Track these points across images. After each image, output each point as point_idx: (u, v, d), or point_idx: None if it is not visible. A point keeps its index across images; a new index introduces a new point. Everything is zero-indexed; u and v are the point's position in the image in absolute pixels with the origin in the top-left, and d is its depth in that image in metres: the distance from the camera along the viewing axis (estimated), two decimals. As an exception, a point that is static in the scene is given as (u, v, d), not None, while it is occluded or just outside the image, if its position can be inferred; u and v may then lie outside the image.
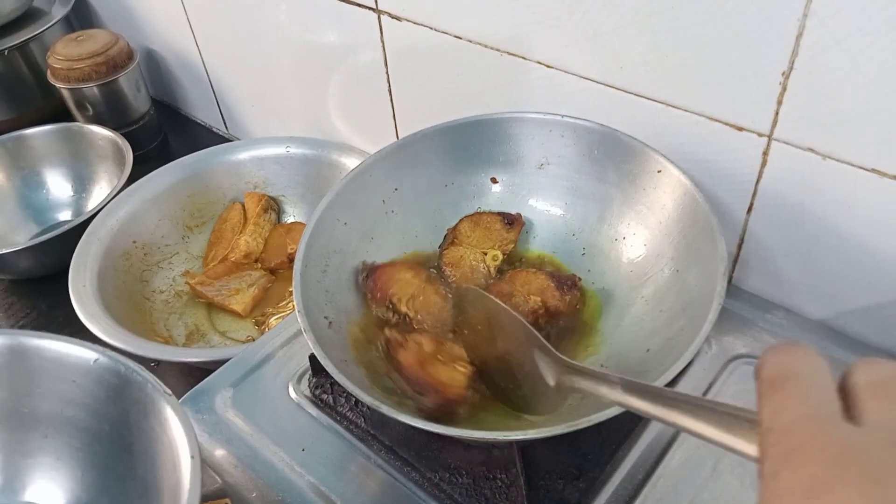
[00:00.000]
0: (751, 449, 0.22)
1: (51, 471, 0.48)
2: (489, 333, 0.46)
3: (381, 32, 0.71)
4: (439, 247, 0.59)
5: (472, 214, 0.59)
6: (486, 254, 0.57)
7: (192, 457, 0.40)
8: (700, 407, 0.25)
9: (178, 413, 0.42)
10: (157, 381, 0.44)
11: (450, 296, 0.48)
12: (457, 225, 0.59)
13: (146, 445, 0.43)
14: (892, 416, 0.20)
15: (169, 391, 0.44)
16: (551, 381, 0.39)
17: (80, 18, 1.16)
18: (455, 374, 0.48)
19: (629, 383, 0.30)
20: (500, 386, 0.46)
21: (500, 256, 0.57)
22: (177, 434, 0.41)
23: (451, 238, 0.59)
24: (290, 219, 0.89)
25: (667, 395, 0.27)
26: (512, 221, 0.58)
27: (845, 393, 0.21)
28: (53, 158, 0.95)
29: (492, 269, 0.57)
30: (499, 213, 0.59)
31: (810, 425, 0.20)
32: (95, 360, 0.45)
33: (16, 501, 0.48)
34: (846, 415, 0.21)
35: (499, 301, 0.45)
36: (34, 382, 0.46)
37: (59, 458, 0.48)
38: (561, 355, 0.39)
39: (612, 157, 0.55)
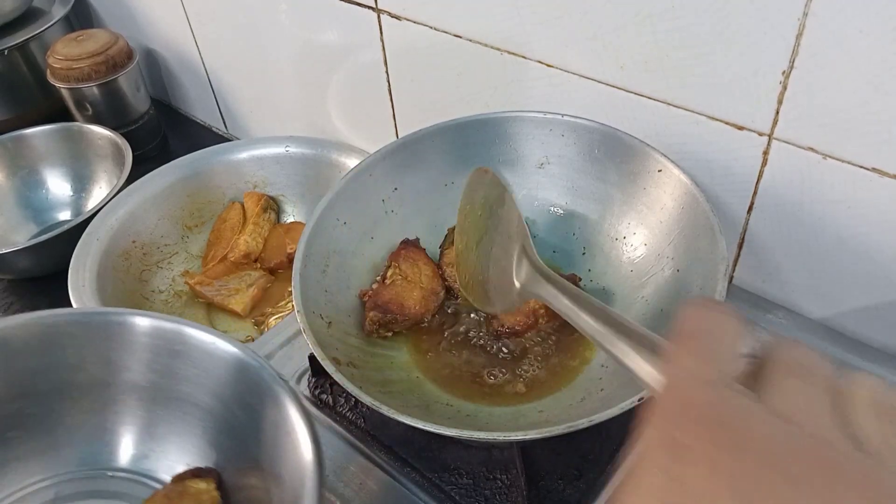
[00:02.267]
0: (651, 378, 0.24)
1: (182, 447, 0.51)
2: (486, 218, 0.47)
3: (381, 32, 0.71)
4: (440, 246, 0.59)
5: None
6: None
7: (313, 442, 0.42)
8: (634, 336, 0.27)
9: (293, 400, 0.44)
10: (273, 368, 0.46)
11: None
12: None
13: (264, 427, 0.45)
14: (794, 392, 0.20)
15: (283, 376, 0.45)
16: (517, 283, 0.41)
17: (80, 18, 1.16)
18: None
19: (582, 298, 0.34)
20: (471, 273, 0.47)
21: None
22: (294, 420, 0.43)
23: (451, 238, 0.58)
24: (289, 218, 0.88)
25: (608, 317, 0.29)
26: None
27: (759, 363, 0.22)
28: (53, 158, 0.95)
29: None
30: None
31: (699, 385, 0.20)
32: (216, 345, 0.48)
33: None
34: (750, 382, 0.21)
35: (508, 188, 0.46)
36: (159, 360, 0.49)
37: (173, 430, 0.51)
38: (538, 259, 0.41)
39: (613, 156, 0.55)
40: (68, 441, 0.51)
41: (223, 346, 0.47)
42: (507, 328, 0.53)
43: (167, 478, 0.49)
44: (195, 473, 0.48)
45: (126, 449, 0.51)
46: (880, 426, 0.19)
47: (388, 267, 0.55)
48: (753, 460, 0.17)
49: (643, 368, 0.25)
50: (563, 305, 0.35)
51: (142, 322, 0.49)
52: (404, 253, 0.56)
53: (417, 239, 0.58)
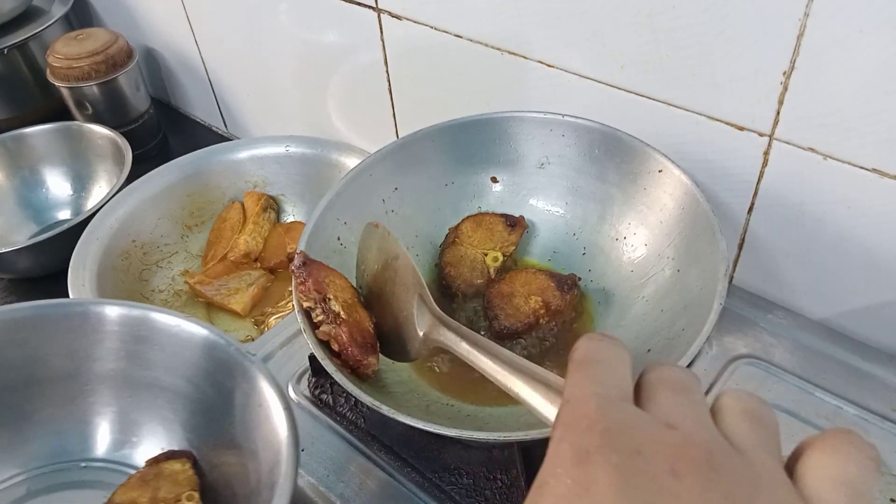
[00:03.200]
0: (548, 412, 0.27)
1: (154, 431, 0.51)
2: (384, 274, 0.48)
3: (381, 32, 0.70)
4: (440, 245, 0.59)
5: (475, 215, 0.59)
6: (486, 255, 0.57)
7: (285, 409, 0.42)
8: (529, 373, 0.30)
9: (263, 373, 0.44)
10: (240, 345, 0.46)
11: (373, 321, 0.48)
12: (459, 224, 0.59)
13: (236, 403, 0.46)
14: (675, 405, 0.23)
15: (252, 353, 0.46)
16: (420, 332, 0.43)
17: (80, 17, 1.16)
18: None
19: (480, 342, 0.36)
20: (381, 328, 0.48)
21: (501, 258, 0.57)
22: (266, 391, 0.44)
23: (452, 237, 0.58)
24: (289, 218, 0.88)
25: (506, 358, 0.33)
26: (514, 224, 0.58)
27: (639, 387, 0.24)
28: (53, 157, 0.95)
29: (492, 271, 0.57)
30: (501, 215, 0.59)
31: (596, 401, 0.22)
32: (181, 327, 0.48)
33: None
34: (637, 404, 0.24)
35: (398, 242, 0.47)
36: (128, 347, 0.50)
37: (146, 416, 0.51)
38: (436, 307, 0.43)
39: (613, 156, 0.55)
40: (38, 435, 0.51)
41: (189, 328, 0.48)
42: (508, 328, 0.53)
43: (142, 464, 0.49)
44: (169, 455, 0.48)
45: (99, 439, 0.51)
46: (750, 428, 0.22)
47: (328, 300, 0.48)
48: (644, 461, 0.20)
49: (538, 400, 0.28)
50: (464, 349, 0.38)
51: (105, 311, 0.49)
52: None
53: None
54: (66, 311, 0.49)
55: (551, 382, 0.28)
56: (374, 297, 0.49)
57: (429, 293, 0.44)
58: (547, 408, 0.27)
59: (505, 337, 0.53)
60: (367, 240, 0.51)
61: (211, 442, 0.49)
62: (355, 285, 0.51)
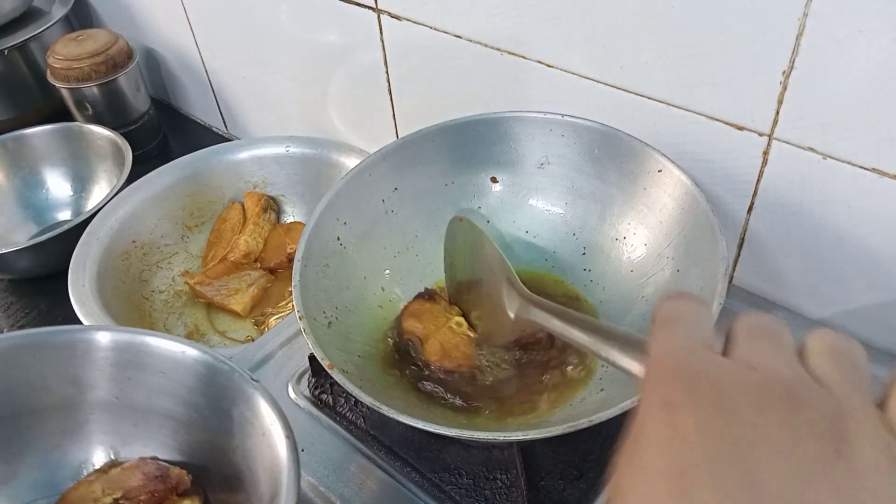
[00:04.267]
0: (638, 370, 0.29)
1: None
2: (471, 262, 0.52)
3: (381, 32, 0.70)
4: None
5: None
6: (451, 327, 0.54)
7: (287, 437, 0.42)
8: (618, 338, 0.31)
9: (266, 399, 0.44)
10: (244, 369, 0.46)
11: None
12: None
13: (237, 432, 0.45)
14: (757, 350, 0.23)
15: (256, 378, 0.45)
16: (511, 313, 0.45)
17: (80, 18, 1.16)
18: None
19: (570, 315, 0.38)
20: (470, 313, 0.52)
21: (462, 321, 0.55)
22: (268, 418, 0.43)
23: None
24: (289, 218, 0.88)
25: (595, 327, 0.34)
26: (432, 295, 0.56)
27: (727, 337, 0.25)
28: (53, 158, 0.95)
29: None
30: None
31: (679, 353, 0.24)
32: (183, 353, 0.47)
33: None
34: (723, 353, 0.24)
35: (483, 232, 0.51)
36: (125, 374, 0.49)
37: (146, 445, 0.50)
38: (524, 288, 0.45)
39: (613, 156, 0.55)
40: (37, 465, 0.50)
41: (190, 353, 0.47)
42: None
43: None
44: (182, 493, 0.47)
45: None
46: (836, 367, 0.23)
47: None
48: (728, 402, 0.21)
49: (631, 364, 0.30)
50: (555, 325, 0.40)
51: (103, 337, 0.48)
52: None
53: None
54: (68, 338, 0.48)
55: (642, 342, 0.30)
56: (464, 287, 0.53)
57: (516, 276, 0.46)
58: (638, 368, 0.29)
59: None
60: (453, 234, 0.55)
61: (216, 471, 0.48)
62: (445, 279, 0.56)
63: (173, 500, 0.47)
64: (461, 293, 0.54)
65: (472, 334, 0.52)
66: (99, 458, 0.50)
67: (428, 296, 0.56)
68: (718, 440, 0.20)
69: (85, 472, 0.50)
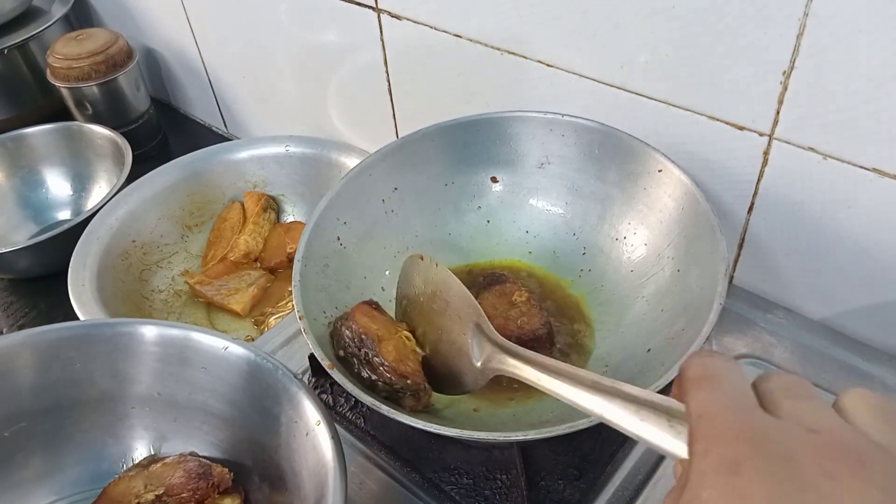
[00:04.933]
0: (673, 444, 0.24)
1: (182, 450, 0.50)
2: (431, 305, 0.46)
3: (381, 31, 0.70)
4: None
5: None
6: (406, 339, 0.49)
7: (332, 438, 0.41)
8: (622, 397, 0.27)
9: (311, 398, 0.43)
10: (287, 367, 0.45)
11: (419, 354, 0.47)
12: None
13: (280, 431, 0.44)
14: (806, 411, 0.23)
15: (299, 375, 0.45)
16: (478, 362, 0.40)
17: (80, 17, 1.16)
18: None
19: (547, 364, 0.33)
20: (429, 361, 0.46)
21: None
22: (312, 419, 0.42)
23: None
24: (289, 218, 0.88)
25: (583, 380, 0.29)
26: None
27: (760, 395, 0.24)
28: (53, 157, 0.95)
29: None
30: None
31: (732, 412, 0.23)
32: (225, 349, 0.47)
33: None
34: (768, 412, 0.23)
35: (448, 272, 0.45)
36: (167, 369, 0.48)
37: (186, 441, 0.50)
38: (497, 334, 0.40)
39: (613, 156, 0.55)
40: (78, 459, 0.50)
41: (234, 350, 0.46)
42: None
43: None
44: (223, 491, 0.47)
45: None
46: (887, 425, 0.22)
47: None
48: (797, 466, 0.20)
49: (636, 423, 0.26)
50: (531, 375, 0.35)
51: (148, 331, 0.48)
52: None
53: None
54: (112, 332, 0.48)
55: (650, 401, 0.26)
56: (420, 332, 0.48)
57: (487, 320, 0.42)
58: (650, 429, 0.25)
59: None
60: (410, 273, 0.49)
61: (257, 470, 0.47)
62: (395, 319, 0.50)
63: (214, 499, 0.46)
64: (416, 337, 0.48)
65: (420, 351, 0.47)
66: (139, 452, 0.50)
67: (374, 305, 0.50)
68: None
69: (125, 467, 0.50)
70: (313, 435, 0.42)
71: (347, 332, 0.46)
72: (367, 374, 0.45)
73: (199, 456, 0.49)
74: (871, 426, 0.22)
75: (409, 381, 0.44)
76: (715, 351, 0.26)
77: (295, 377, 0.45)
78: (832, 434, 0.21)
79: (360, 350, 0.45)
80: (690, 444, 0.23)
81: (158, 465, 0.47)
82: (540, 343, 0.52)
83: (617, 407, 0.27)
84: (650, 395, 0.26)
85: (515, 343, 0.45)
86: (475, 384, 0.42)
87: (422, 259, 0.48)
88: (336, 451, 0.40)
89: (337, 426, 0.52)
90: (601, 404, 0.27)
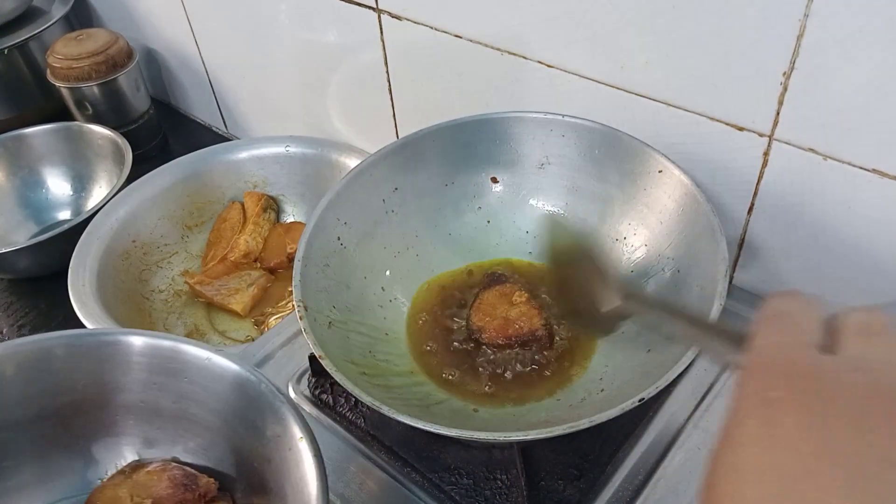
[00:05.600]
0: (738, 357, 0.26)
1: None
2: (569, 258, 0.51)
3: (382, 32, 0.70)
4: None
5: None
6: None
7: (315, 456, 0.41)
8: (714, 327, 0.31)
9: (293, 414, 0.43)
10: (271, 381, 0.45)
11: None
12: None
13: (264, 443, 0.45)
14: (868, 348, 0.23)
15: (283, 389, 0.45)
16: (613, 304, 0.43)
17: (80, 17, 1.16)
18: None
19: (664, 306, 0.39)
20: (577, 304, 0.50)
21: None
22: (296, 435, 0.43)
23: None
24: (289, 218, 0.88)
25: (692, 317, 0.34)
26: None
27: (834, 332, 0.24)
28: (53, 158, 0.95)
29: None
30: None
31: (786, 349, 0.23)
32: (208, 360, 0.47)
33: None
34: (831, 348, 0.24)
35: (568, 228, 0.52)
36: (151, 378, 0.49)
37: (170, 449, 0.50)
38: (618, 279, 0.44)
39: (613, 156, 0.55)
40: (65, 468, 0.50)
41: (220, 363, 0.47)
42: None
43: None
44: (210, 499, 0.47)
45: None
46: None
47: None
48: (837, 404, 0.20)
49: (722, 350, 0.29)
50: (653, 315, 0.40)
51: (135, 341, 0.48)
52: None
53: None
54: (97, 341, 0.49)
55: (736, 333, 0.29)
56: (567, 279, 0.51)
57: (607, 268, 0.46)
58: (739, 359, 0.28)
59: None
60: (555, 234, 0.55)
61: (242, 480, 0.48)
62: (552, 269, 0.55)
63: None
64: (565, 284, 0.52)
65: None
66: (125, 459, 0.51)
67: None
68: (818, 445, 0.20)
69: (109, 474, 0.50)
70: (296, 451, 0.42)
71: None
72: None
73: (182, 463, 0.49)
74: None
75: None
76: (794, 291, 0.27)
77: (279, 391, 0.44)
78: (877, 374, 0.21)
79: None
80: (739, 375, 0.24)
81: (142, 472, 0.48)
82: (540, 343, 0.52)
83: (709, 337, 0.31)
84: (736, 327, 0.29)
85: (515, 344, 0.50)
86: (613, 325, 0.45)
87: (553, 220, 0.56)
88: (318, 469, 0.41)
89: (337, 426, 0.53)
90: (699, 336, 0.32)
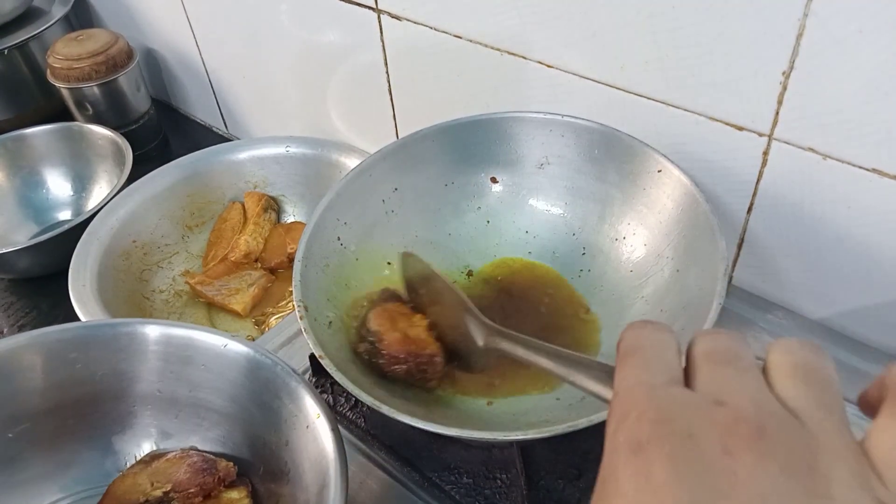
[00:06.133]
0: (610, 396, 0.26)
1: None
2: (430, 297, 0.50)
3: (381, 32, 0.71)
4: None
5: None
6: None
7: (332, 430, 0.42)
8: (587, 366, 0.30)
9: (310, 392, 0.44)
10: (286, 363, 0.46)
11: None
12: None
13: (281, 425, 0.45)
14: (720, 379, 0.22)
15: (298, 371, 0.46)
16: (480, 343, 0.44)
17: (80, 18, 1.16)
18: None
19: (533, 344, 0.38)
20: (447, 345, 0.49)
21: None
22: (312, 412, 0.43)
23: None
24: (289, 218, 0.89)
25: (562, 355, 0.33)
26: None
27: (687, 364, 0.24)
28: (53, 158, 0.95)
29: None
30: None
31: (644, 390, 0.22)
32: (224, 346, 0.47)
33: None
34: (686, 382, 0.23)
35: (430, 265, 0.49)
36: (168, 367, 0.49)
37: (188, 437, 0.51)
38: (485, 319, 0.44)
39: (613, 156, 0.55)
40: (82, 458, 0.50)
41: (234, 348, 0.47)
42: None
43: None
44: (229, 484, 0.47)
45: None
46: (805, 389, 0.21)
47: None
48: (696, 444, 0.20)
49: (599, 389, 0.29)
50: (521, 353, 0.39)
51: (150, 331, 0.49)
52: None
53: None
54: (113, 332, 0.49)
55: (603, 368, 0.29)
56: (433, 319, 0.50)
57: (473, 307, 0.45)
58: (610, 394, 0.27)
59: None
60: (408, 269, 0.53)
61: (259, 464, 0.48)
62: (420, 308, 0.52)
63: (220, 492, 0.47)
64: (438, 329, 0.50)
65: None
66: (142, 449, 0.51)
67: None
68: (690, 491, 0.19)
69: (128, 464, 0.50)
70: (313, 427, 0.42)
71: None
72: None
73: (200, 451, 0.49)
74: (789, 388, 0.21)
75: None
76: (649, 321, 0.26)
77: (294, 372, 0.45)
78: (738, 405, 0.21)
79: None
80: (608, 423, 0.23)
81: (161, 461, 0.48)
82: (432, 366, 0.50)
83: (583, 375, 0.30)
84: (606, 364, 0.29)
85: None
86: (485, 364, 0.46)
87: (409, 256, 0.52)
88: (336, 443, 0.41)
89: (340, 428, 0.52)
90: (573, 374, 0.31)
